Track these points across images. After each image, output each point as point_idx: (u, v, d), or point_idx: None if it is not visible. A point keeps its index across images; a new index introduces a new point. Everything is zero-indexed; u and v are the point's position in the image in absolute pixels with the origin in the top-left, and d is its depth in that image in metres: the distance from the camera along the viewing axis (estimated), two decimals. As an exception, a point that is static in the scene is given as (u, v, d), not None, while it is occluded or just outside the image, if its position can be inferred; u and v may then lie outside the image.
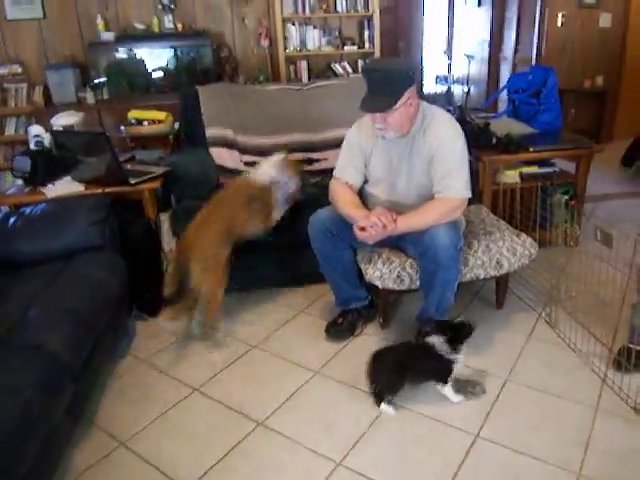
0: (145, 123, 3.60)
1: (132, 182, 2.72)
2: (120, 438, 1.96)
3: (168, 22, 4.96)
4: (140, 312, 2.73)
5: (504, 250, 2.42)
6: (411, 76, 2.11)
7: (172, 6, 4.94)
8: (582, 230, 3.09)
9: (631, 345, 2.16)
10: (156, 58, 5.05)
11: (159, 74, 5.06)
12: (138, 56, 4.99)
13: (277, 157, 2.67)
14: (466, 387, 2.12)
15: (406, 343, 2.20)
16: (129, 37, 4.88)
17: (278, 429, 1.98)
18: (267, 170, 2.60)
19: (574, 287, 2.61)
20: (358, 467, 1.81)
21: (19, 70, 4.76)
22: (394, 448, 1.88)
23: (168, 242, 2.82)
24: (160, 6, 4.93)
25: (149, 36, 4.95)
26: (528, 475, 1.75)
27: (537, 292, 2.75)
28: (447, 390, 2.06)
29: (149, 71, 5.04)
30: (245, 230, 2.50)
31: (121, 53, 4.94)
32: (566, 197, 2.41)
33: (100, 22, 4.81)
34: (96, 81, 4.79)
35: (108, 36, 4.80)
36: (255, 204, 2.50)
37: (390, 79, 2.06)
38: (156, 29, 4.96)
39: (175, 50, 5.07)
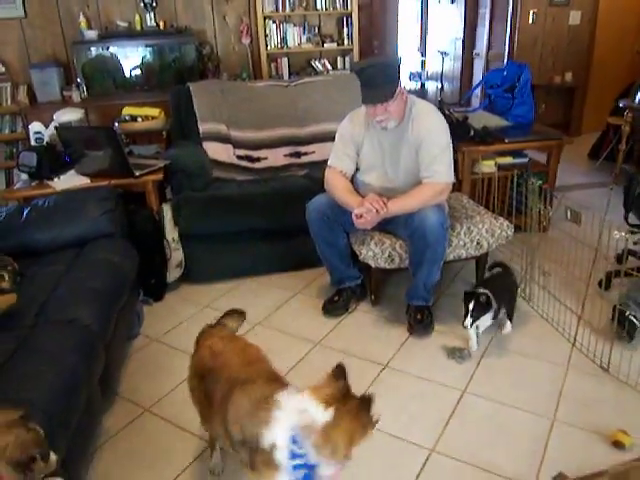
0: (139, 119, 3.74)
1: (137, 174, 2.89)
2: (144, 405, 2.15)
3: (150, 20, 5.03)
4: (146, 297, 2.90)
5: (484, 232, 2.67)
6: (400, 68, 2.34)
7: (153, 4, 5.02)
8: (553, 215, 3.38)
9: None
10: (139, 56, 5.14)
11: (142, 72, 5.15)
12: (121, 54, 5.07)
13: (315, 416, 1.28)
14: (454, 353, 2.37)
15: None
16: (112, 35, 4.93)
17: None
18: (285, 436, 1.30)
19: (546, 266, 2.88)
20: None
21: (2, 69, 4.76)
22: (392, 405, 2.12)
23: (170, 231, 2.99)
24: (142, 4, 5.00)
25: (132, 34, 5.00)
26: (510, 422, 2.01)
27: (513, 271, 3.01)
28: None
29: (132, 69, 5.13)
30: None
31: (104, 51, 5.01)
32: (540, 181, 2.66)
33: (82, 20, 4.82)
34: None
35: (91, 34, 4.82)
36: (242, 451, 1.41)
37: (386, 71, 2.28)
38: (138, 27, 5.04)
39: (158, 48, 5.16)
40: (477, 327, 2.34)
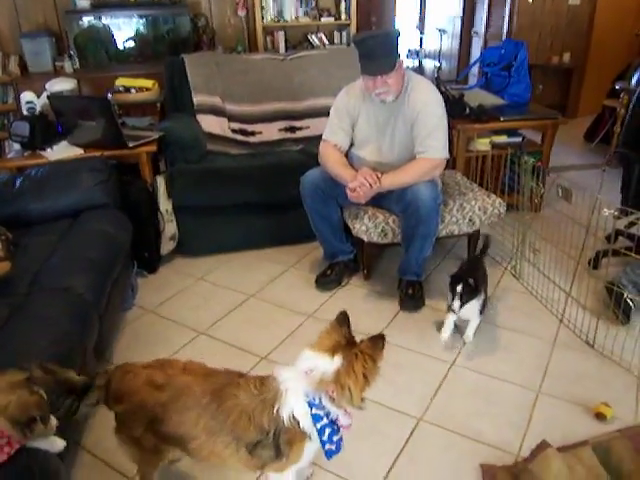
0: (133, 91, 3.71)
1: (130, 145, 2.88)
2: (137, 374, 2.17)
3: (145, -11, 4.96)
4: (140, 269, 2.92)
5: (476, 209, 2.69)
6: (399, 40, 2.33)
7: (148, -26, 4.94)
8: (546, 195, 3.40)
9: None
10: (133, 27, 5.07)
11: (136, 43, 5.08)
12: (114, 25, 4.99)
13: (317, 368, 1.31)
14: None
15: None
16: (105, 5, 4.83)
17: (280, 362, 2.22)
18: (301, 403, 1.32)
19: (537, 244, 2.91)
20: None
21: (-8, 38, 4.72)
22: (382, 375, 2.14)
23: (164, 203, 2.99)
24: (136, -27, 4.92)
25: (125, 4, 4.92)
26: (497, 393, 2.06)
27: (504, 249, 3.05)
28: None
29: (126, 40, 5.06)
30: (212, 460, 1.43)
31: (97, 21, 4.93)
32: (533, 159, 2.67)
33: (75, -11, 4.77)
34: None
35: (83, 3, 4.71)
36: (264, 452, 1.35)
37: (387, 43, 2.28)
38: (132, -4, 4.96)
39: (152, 19, 5.09)
40: (458, 316, 2.26)
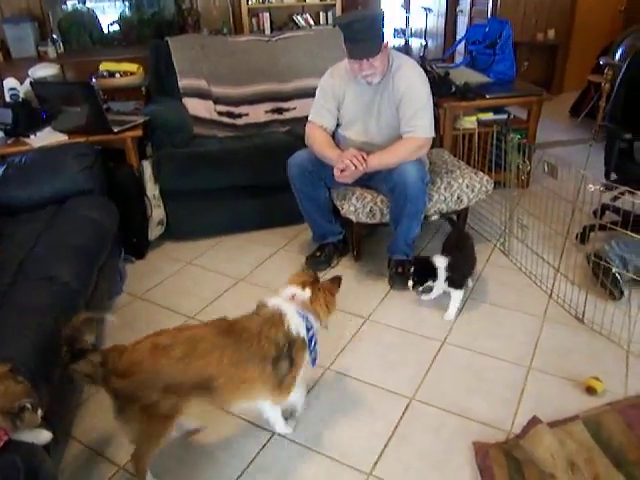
0: (117, 75, 3.66)
1: (115, 130, 2.83)
2: (127, 360, 2.16)
3: (128, -27, 4.89)
4: (128, 255, 2.89)
5: (464, 186, 2.68)
6: (384, 21, 2.31)
7: (132, -43, 4.87)
8: (534, 171, 3.41)
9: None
10: (117, 10, 5.00)
11: (120, 27, 5.01)
12: (98, 9, 4.92)
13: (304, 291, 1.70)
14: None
15: None
16: (88, -11, 4.80)
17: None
18: (298, 318, 1.66)
19: (525, 220, 2.92)
20: (343, 369, 2.10)
21: (-27, 24, 4.64)
22: (373, 355, 2.17)
23: (151, 188, 2.96)
24: (119, -43, 4.84)
25: (109, -13, 4.88)
26: (488, 370, 2.07)
27: (493, 226, 3.06)
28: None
29: (110, 24, 4.99)
30: (232, 395, 1.62)
31: (81, 6, 4.86)
32: (518, 136, 2.67)
33: (58, -27, 4.70)
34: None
35: (66, -13, 4.72)
36: (282, 364, 1.63)
37: (372, 26, 2.24)
38: (116, -20, 4.89)
39: (136, 2, 5.02)
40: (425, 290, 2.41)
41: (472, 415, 1.87)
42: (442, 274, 2.29)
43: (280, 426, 1.81)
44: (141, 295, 2.61)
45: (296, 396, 1.78)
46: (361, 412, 1.90)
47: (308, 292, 1.69)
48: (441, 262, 2.29)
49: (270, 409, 1.75)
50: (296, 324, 1.64)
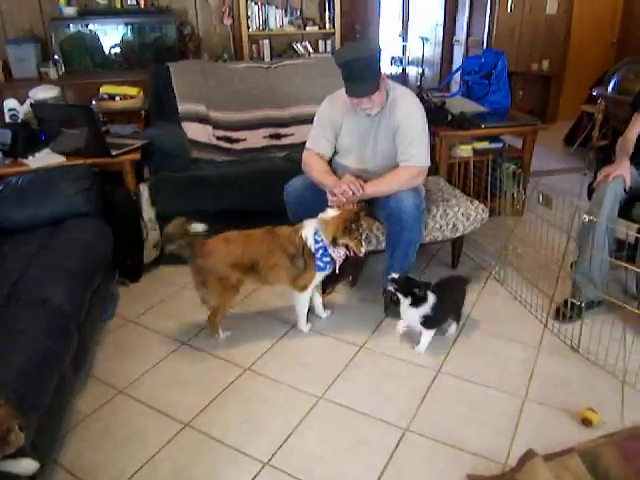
0: (117, 98, 3.69)
1: (113, 154, 2.85)
2: (118, 387, 2.14)
3: (130, -2, 4.96)
4: (122, 278, 2.88)
5: (459, 215, 2.70)
6: (381, 56, 2.35)
7: (134, -18, 4.94)
8: (527, 200, 3.44)
9: (572, 300, 2.47)
10: (119, 34, 5.05)
11: (122, 50, 5.07)
12: (100, 32, 4.98)
13: (328, 216, 2.28)
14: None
15: None
16: (91, 12, 4.86)
17: (264, 372, 2.22)
18: (311, 231, 2.29)
19: (520, 248, 2.93)
20: (337, 398, 2.08)
21: (-24, 44, 4.67)
22: (367, 385, 2.15)
23: (147, 211, 2.96)
24: (122, -18, 4.92)
25: (112, 12, 4.94)
26: (482, 400, 2.06)
27: (488, 254, 3.07)
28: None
29: (112, 47, 5.04)
30: (267, 275, 2.32)
31: (83, 29, 4.92)
32: (513, 166, 2.70)
33: (61, -3, 4.76)
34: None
35: (70, 11, 4.75)
36: (299, 260, 2.29)
37: (370, 64, 2.28)
38: (118, 5, 4.96)
39: (138, 27, 5.08)
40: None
41: (466, 446, 1.84)
42: (406, 302, 2.25)
43: (301, 322, 2.46)
44: (134, 319, 2.59)
45: (309, 296, 2.41)
46: (355, 443, 1.87)
47: (331, 215, 2.25)
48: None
49: (297, 300, 2.41)
50: (307, 235, 2.26)
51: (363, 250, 2.31)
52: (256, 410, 2.02)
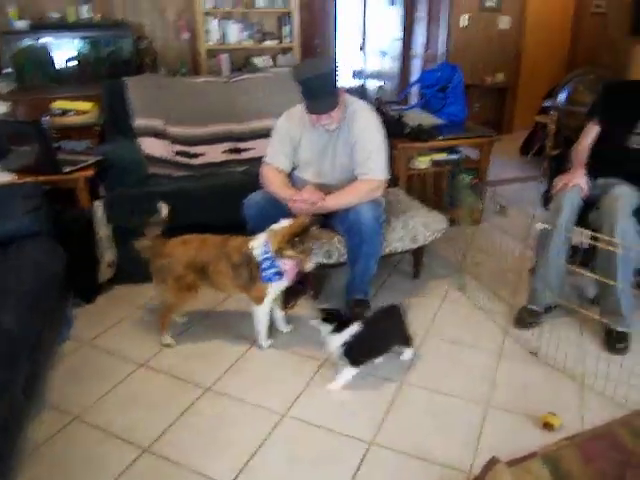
0: (71, 113, 3.60)
1: (66, 170, 2.76)
2: (73, 412, 2.05)
3: (86, 12, 4.87)
4: (76, 298, 2.78)
5: (419, 225, 2.72)
6: (338, 72, 2.36)
7: (90, -4, 4.85)
8: (485, 209, 3.50)
9: (531, 306, 2.52)
10: (74, 48, 4.95)
11: (77, 64, 4.96)
12: (54, 46, 4.86)
13: (277, 227, 2.25)
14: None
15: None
16: (44, 26, 4.74)
17: (226, 391, 2.16)
18: (260, 242, 2.26)
19: (479, 257, 2.98)
20: (301, 415, 2.05)
21: None
22: (330, 400, 2.12)
23: (102, 228, 2.88)
24: (78, -5, 4.83)
25: (66, 25, 4.82)
26: (447, 410, 2.06)
27: (448, 263, 3.10)
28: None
29: (66, 61, 4.93)
30: (215, 280, 2.36)
31: (36, 42, 4.79)
32: (469, 177, 2.74)
33: (12, 10, 4.63)
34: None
35: (22, 24, 4.62)
36: (243, 270, 2.29)
37: (328, 82, 2.30)
38: (72, 18, 4.86)
39: (93, 41, 4.99)
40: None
41: (432, 457, 1.84)
42: (327, 328, 2.14)
43: (261, 337, 2.42)
44: (89, 341, 2.50)
45: (267, 310, 2.39)
46: (320, 459, 1.84)
47: (282, 225, 2.23)
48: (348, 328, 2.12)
49: (255, 314, 2.39)
50: (253, 245, 2.24)
51: (309, 265, 2.29)
52: (217, 430, 1.97)
